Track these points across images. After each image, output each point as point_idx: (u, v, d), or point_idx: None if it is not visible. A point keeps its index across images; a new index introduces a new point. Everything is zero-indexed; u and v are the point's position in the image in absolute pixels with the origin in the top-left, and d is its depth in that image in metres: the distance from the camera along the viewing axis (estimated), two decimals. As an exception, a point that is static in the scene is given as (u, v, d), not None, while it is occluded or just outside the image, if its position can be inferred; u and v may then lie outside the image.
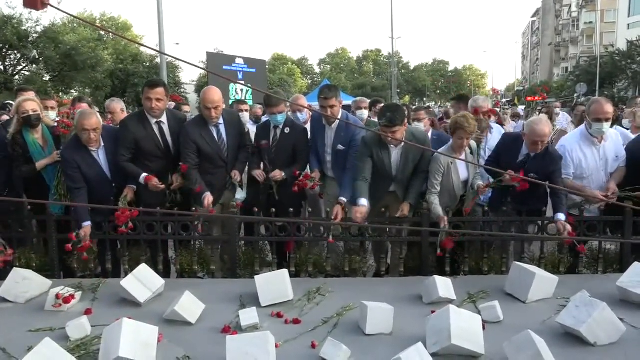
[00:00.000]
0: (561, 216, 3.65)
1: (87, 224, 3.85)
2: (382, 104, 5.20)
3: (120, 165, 4.05)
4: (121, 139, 4.07)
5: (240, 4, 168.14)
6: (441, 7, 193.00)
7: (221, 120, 4.20)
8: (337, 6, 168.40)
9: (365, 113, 6.28)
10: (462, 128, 3.80)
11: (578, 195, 3.94)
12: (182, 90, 33.52)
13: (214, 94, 4.10)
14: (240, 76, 23.64)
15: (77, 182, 3.93)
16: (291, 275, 3.43)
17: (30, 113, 4.05)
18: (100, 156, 4.04)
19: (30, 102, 4.11)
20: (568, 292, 3.14)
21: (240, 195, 4.26)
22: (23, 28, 19.84)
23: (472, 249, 3.92)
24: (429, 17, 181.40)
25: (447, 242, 3.72)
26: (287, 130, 4.40)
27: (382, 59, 77.39)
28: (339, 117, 4.29)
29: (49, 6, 1.70)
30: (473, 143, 4.09)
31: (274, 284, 3.24)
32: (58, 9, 1.68)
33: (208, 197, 4.01)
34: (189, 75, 48.74)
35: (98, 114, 4.13)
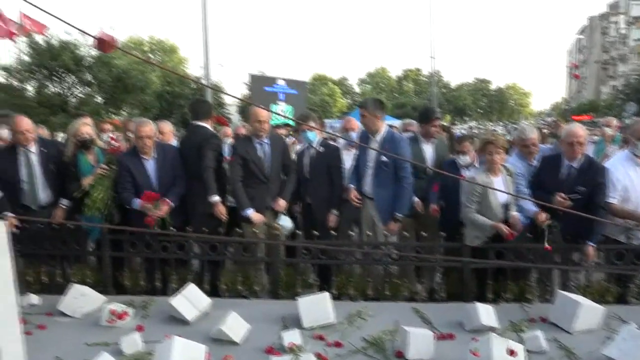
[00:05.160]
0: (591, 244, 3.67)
1: (137, 200, 4.17)
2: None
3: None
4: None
5: (282, 24, 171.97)
6: (483, 26, 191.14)
7: (267, 140, 4.48)
8: (376, 25, 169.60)
9: None
10: (490, 142, 3.85)
11: (631, 220, 3.80)
12: (226, 110, 34.33)
13: (264, 110, 4.62)
14: (281, 97, 24.23)
15: (125, 185, 4.27)
16: (333, 298, 3.48)
17: (86, 136, 4.39)
18: (150, 166, 4.33)
19: (86, 127, 4.45)
20: (616, 323, 3.08)
21: (285, 223, 4.37)
22: (79, 53, 20.96)
23: (514, 276, 3.87)
24: (470, 36, 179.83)
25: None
26: (321, 149, 4.66)
27: (422, 78, 77.04)
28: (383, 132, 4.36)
29: (117, 48, 1.89)
30: (512, 167, 4.06)
31: (316, 306, 3.31)
32: (125, 52, 1.85)
33: (254, 215, 4.28)
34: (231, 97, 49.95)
35: (153, 124, 4.43)
